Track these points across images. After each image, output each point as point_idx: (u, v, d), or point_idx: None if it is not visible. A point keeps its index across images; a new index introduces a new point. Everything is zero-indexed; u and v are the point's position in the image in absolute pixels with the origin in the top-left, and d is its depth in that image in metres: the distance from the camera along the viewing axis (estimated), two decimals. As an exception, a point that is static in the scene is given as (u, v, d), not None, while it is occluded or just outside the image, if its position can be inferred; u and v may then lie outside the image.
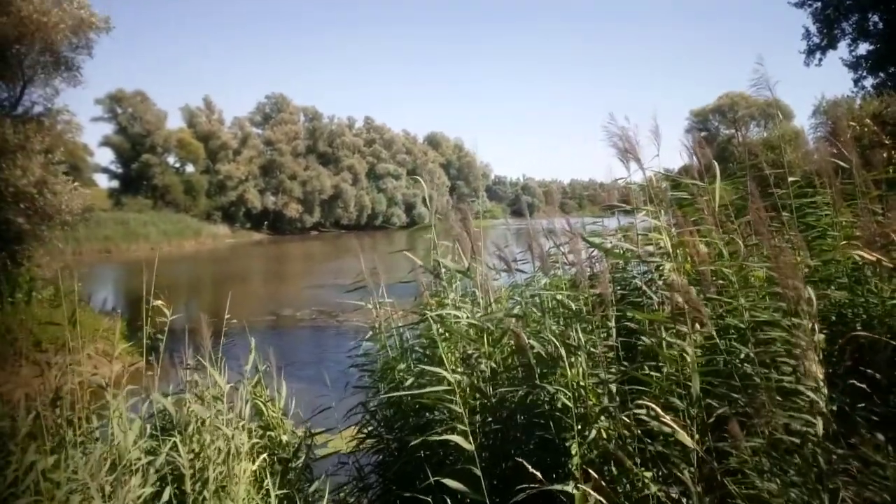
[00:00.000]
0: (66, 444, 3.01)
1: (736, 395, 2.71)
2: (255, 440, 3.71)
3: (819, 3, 22.61)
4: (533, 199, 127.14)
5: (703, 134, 52.87)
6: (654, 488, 2.57)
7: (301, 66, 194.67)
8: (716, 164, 3.76)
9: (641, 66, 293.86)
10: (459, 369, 3.27)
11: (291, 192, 72.49)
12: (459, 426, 2.89)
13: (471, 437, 2.77)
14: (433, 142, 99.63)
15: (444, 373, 2.97)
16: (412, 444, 3.21)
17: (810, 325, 2.55)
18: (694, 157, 3.98)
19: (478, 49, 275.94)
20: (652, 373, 2.91)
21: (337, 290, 23.98)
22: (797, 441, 2.45)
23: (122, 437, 3.11)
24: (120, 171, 63.63)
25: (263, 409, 4.31)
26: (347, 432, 4.63)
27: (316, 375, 11.45)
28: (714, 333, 2.76)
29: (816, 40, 23.21)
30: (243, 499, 3.23)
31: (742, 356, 2.92)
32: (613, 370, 2.92)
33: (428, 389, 3.14)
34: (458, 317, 3.43)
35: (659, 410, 2.45)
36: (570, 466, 2.68)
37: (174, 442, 3.27)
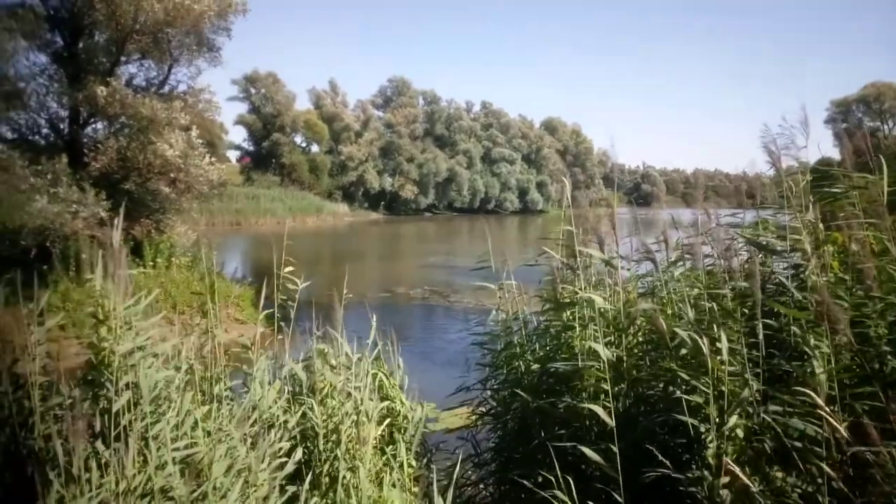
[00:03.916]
0: (215, 398, 3.29)
1: (876, 403, 2.56)
2: (380, 406, 3.88)
3: None
4: (653, 189, 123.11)
5: (843, 125, 49.16)
6: (788, 487, 2.48)
7: (423, 49, 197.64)
8: (861, 158, 3.50)
9: (775, 53, 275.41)
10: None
11: (408, 174, 73.94)
12: (604, 402, 2.92)
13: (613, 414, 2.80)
14: (550, 127, 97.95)
15: (599, 347, 2.99)
16: (557, 408, 3.30)
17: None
18: (845, 149, 3.72)
19: (599, 35, 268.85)
20: (794, 370, 2.79)
21: (448, 270, 24.40)
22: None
23: (263, 395, 3.35)
24: (251, 148, 67.49)
25: (385, 380, 4.49)
26: (461, 409, 4.74)
27: (427, 351, 11.77)
28: (850, 337, 2.59)
29: None
30: (370, 460, 3.40)
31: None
32: (753, 366, 2.81)
33: (581, 364, 3.20)
34: (595, 300, 3.41)
35: (815, 396, 2.35)
36: (705, 457, 2.62)
37: (311, 402, 3.48)
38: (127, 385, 2.54)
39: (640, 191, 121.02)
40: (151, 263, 14.61)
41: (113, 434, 2.49)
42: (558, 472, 2.79)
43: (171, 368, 2.97)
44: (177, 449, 2.65)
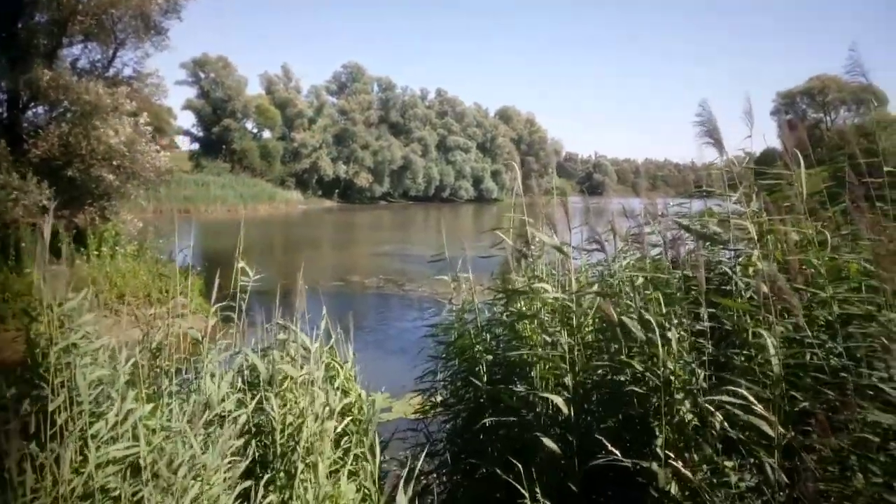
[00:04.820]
0: (163, 394, 3.19)
1: (823, 390, 2.63)
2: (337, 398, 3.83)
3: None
4: (605, 178, 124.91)
5: (788, 117, 50.82)
6: (733, 477, 2.54)
7: (377, 37, 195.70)
8: (800, 150, 3.58)
9: (725, 45, 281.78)
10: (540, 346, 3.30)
11: (362, 161, 73.26)
12: (564, 392, 2.95)
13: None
14: (504, 116, 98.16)
15: (562, 336, 3.01)
16: (509, 396, 3.34)
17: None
18: (785, 142, 3.80)
19: (555, 26, 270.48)
20: (738, 360, 2.86)
21: (402, 259, 24.34)
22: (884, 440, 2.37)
23: (215, 389, 3.26)
24: (201, 134, 65.86)
25: (339, 371, 4.44)
26: (416, 399, 4.74)
27: (381, 340, 11.75)
28: (804, 324, 2.67)
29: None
30: (328, 455, 3.35)
31: (831, 350, 2.82)
32: (699, 355, 2.87)
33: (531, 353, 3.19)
34: (546, 290, 3.43)
35: (746, 393, 2.41)
36: (654, 447, 2.68)
37: (264, 396, 3.40)
38: (62, 383, 2.45)
39: (592, 180, 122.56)
40: (95, 252, 14.15)
41: (49, 434, 2.41)
42: (540, 468, 2.80)
43: (114, 364, 2.86)
44: (117, 448, 2.56)
